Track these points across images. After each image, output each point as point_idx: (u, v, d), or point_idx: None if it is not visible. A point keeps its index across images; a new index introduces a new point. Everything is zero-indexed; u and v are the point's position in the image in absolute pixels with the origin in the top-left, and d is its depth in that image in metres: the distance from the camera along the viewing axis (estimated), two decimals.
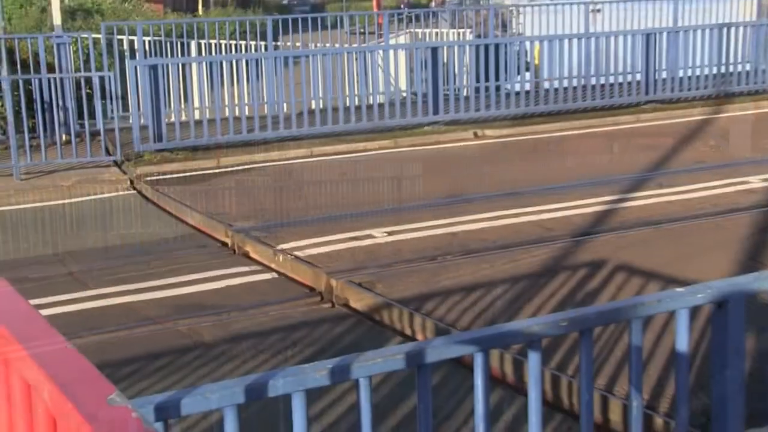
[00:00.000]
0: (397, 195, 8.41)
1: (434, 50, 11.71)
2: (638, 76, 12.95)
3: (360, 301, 5.55)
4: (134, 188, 9.71)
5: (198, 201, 8.51)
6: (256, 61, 11.47)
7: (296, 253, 6.48)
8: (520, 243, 6.60)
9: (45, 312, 5.68)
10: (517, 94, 12.39)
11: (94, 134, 11.12)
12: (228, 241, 7.24)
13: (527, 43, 12.80)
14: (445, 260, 6.25)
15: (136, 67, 10.66)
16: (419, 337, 4.99)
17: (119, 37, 12.81)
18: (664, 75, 13.06)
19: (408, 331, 5.13)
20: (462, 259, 6.24)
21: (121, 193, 9.58)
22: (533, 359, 2.32)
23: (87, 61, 12.61)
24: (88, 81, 11.59)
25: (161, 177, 9.81)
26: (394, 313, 5.24)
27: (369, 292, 5.52)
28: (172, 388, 4.32)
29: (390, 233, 6.97)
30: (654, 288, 5.38)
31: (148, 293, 6.03)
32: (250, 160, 10.45)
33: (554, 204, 7.75)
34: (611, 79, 12.69)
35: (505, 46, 12.29)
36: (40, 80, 10.29)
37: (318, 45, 14.13)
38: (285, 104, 11.79)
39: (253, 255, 6.85)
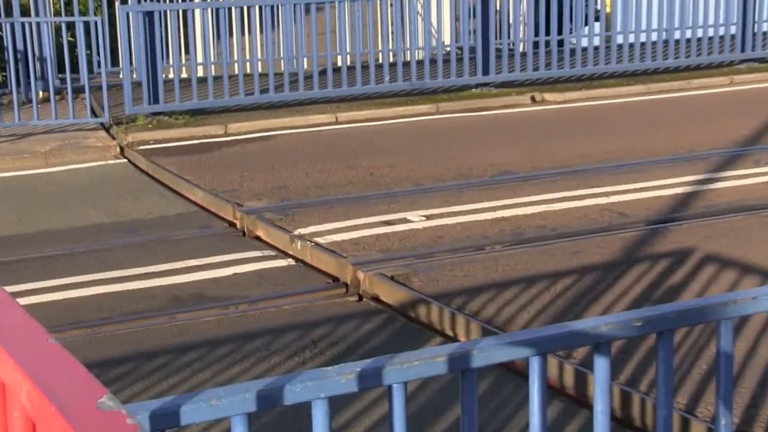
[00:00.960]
0: (438, 171, 8.41)
1: None
2: (732, 30, 12.79)
3: (393, 297, 5.60)
4: (125, 156, 9.81)
5: (201, 175, 8.58)
6: (272, 7, 11.49)
7: (317, 239, 6.53)
8: (587, 231, 6.59)
9: (19, 301, 5.75)
10: (584, 50, 12.31)
11: (77, 91, 11.22)
12: (237, 222, 7.32)
13: None
14: (494, 250, 6.26)
15: (128, 13, 10.72)
16: (462, 339, 5.03)
17: None
18: (765, 27, 12.88)
19: (449, 332, 5.17)
20: (515, 249, 6.25)
21: (109, 162, 9.68)
22: (600, 365, 2.32)
23: (69, 4, 12.69)
24: (71, 27, 11.64)
25: (157, 146, 9.90)
26: (433, 312, 5.29)
27: (403, 288, 5.57)
28: (170, 393, 4.40)
29: (428, 217, 6.99)
30: (748, 284, 5.35)
31: (141, 281, 6.10)
32: (264, 127, 10.51)
33: (628, 184, 7.71)
34: (699, 33, 12.55)
35: None
36: (12, 25, 10.35)
37: None
38: (305, 60, 11.80)
39: (266, 240, 6.91)
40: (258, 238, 6.97)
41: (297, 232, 6.72)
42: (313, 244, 6.44)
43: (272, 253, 6.62)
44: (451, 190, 7.75)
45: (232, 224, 7.34)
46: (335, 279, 6.05)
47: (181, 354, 5.00)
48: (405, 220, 6.92)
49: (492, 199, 7.40)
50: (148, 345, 5.14)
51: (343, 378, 2.12)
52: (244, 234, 7.12)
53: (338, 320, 5.42)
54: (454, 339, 5.07)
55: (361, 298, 5.76)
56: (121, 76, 11.07)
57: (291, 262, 6.43)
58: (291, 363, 4.85)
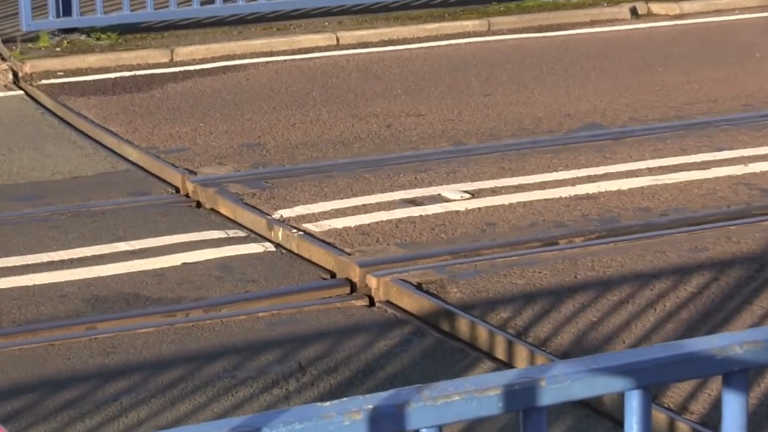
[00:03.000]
0: (489, 124, 8.40)
1: None
2: None
3: (420, 311, 5.64)
4: (20, 88, 9.81)
5: (134, 125, 8.58)
6: None
7: (308, 226, 6.55)
8: (713, 216, 6.60)
9: None
10: None
11: None
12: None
13: None
14: (573, 245, 6.25)
15: None
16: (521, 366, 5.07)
17: None
18: None
19: (502, 355, 5.19)
20: (605, 243, 6.25)
21: None
22: (733, 404, 2.33)
23: None
24: None
25: (69, 79, 9.87)
26: (480, 335, 5.32)
27: (435, 300, 5.60)
28: None
29: (474, 194, 6.98)
30: None
31: (45, 273, 6.12)
32: (228, 53, 10.49)
33: None
34: None
35: None
36: None
37: None
38: None
39: (231, 218, 6.93)
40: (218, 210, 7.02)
41: (278, 214, 6.73)
42: (301, 233, 6.46)
43: (241, 233, 6.63)
44: (509, 152, 7.74)
45: (180, 191, 7.38)
46: (335, 274, 6.09)
47: (105, 382, 5.02)
48: (439, 198, 6.92)
49: (570, 167, 7.39)
50: (56, 368, 5.15)
51: (348, 419, 2.15)
52: (198, 205, 7.14)
53: (339, 334, 5.43)
54: (508, 364, 5.10)
55: (372, 302, 5.79)
56: None
57: (269, 247, 6.44)
58: (268, 397, 4.88)
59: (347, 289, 5.92)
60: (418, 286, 5.74)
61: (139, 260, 6.27)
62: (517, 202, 6.86)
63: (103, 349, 5.34)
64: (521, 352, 5.12)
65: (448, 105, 8.84)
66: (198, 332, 5.50)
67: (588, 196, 6.92)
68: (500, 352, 5.22)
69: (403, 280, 5.80)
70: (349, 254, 6.16)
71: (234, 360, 5.20)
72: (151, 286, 5.98)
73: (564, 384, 2.27)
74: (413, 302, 5.67)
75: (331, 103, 8.99)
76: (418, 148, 7.93)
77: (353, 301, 5.81)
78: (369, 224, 6.59)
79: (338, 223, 6.61)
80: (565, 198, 6.91)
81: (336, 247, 6.26)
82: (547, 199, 6.89)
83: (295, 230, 6.51)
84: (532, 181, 7.18)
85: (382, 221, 6.63)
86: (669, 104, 8.72)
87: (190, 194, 7.32)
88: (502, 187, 7.09)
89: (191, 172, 7.52)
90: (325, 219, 6.67)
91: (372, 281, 5.86)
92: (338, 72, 9.98)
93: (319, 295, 5.89)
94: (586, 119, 8.41)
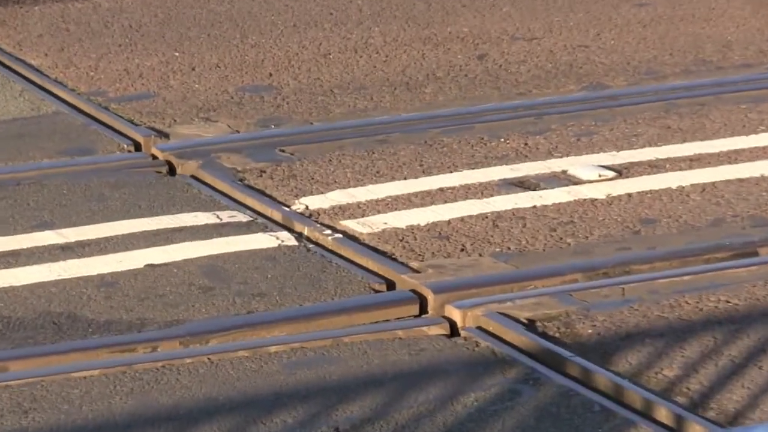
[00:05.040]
0: (644, 53, 8.51)
1: None
2: None
3: (533, 348, 5.67)
4: None
5: (69, 55, 8.80)
6: None
7: (348, 223, 6.69)
8: None
9: None
10: None
11: None
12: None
13: None
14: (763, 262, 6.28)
15: None
16: None
17: None
18: None
19: (666, 418, 5.16)
20: None
21: None
22: None
23: None
24: None
25: None
26: (631, 397, 5.30)
27: (556, 346, 5.63)
28: None
29: (621, 171, 7.13)
30: None
31: None
32: None
33: None
34: None
35: None
36: None
37: None
38: None
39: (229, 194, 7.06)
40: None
41: (301, 205, 6.90)
42: (339, 236, 6.57)
43: (242, 216, 6.75)
44: (678, 100, 7.89)
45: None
46: (392, 282, 6.16)
47: None
48: (564, 178, 7.07)
49: (754, 134, 7.49)
50: None
51: None
52: (172, 170, 7.32)
53: (401, 380, 5.43)
54: (672, 429, 5.11)
55: (455, 332, 5.82)
56: None
57: (287, 239, 6.53)
58: None
59: (415, 308, 5.96)
60: (530, 324, 5.80)
61: (77, 260, 6.33)
62: (691, 186, 6.93)
63: (19, 404, 5.33)
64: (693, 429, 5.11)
65: (578, 22, 8.98)
66: (172, 377, 5.48)
67: None
68: (663, 415, 5.21)
69: (504, 315, 5.84)
70: (416, 271, 6.22)
71: (231, 421, 5.16)
72: (97, 302, 6.00)
73: None
74: (521, 342, 5.71)
75: (387, 19, 9.12)
76: (529, 93, 8.04)
77: (424, 328, 5.83)
78: (448, 221, 6.68)
79: (398, 219, 6.71)
80: (752, 182, 6.99)
81: (395, 260, 6.35)
82: (739, 180, 6.97)
83: (329, 231, 6.63)
84: (715, 150, 7.29)
85: (470, 217, 6.71)
86: None
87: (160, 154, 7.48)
88: (666, 160, 7.19)
89: (160, 133, 7.71)
90: (377, 212, 6.79)
91: (455, 314, 5.90)
92: None
93: (369, 317, 5.94)
94: None
